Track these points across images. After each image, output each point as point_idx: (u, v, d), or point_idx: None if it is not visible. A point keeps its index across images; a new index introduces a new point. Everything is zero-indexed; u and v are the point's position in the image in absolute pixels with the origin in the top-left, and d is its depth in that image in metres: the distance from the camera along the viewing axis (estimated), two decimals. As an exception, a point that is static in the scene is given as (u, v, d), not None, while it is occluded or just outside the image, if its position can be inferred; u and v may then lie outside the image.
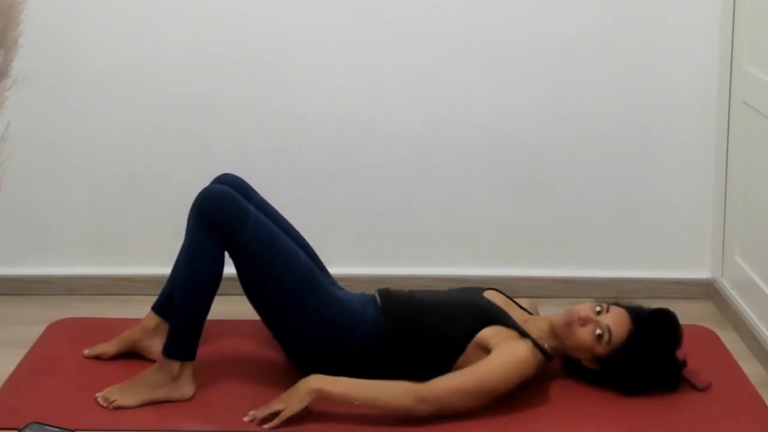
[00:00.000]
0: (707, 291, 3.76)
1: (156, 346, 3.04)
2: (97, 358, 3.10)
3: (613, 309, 2.94)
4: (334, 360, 2.89)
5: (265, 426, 2.76)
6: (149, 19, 3.60)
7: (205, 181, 3.71)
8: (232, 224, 2.83)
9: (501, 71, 3.65)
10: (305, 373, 2.86)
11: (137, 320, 3.14)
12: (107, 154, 3.70)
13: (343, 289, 3.11)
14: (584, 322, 2.90)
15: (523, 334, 2.89)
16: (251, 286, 2.90)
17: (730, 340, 3.38)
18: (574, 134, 3.69)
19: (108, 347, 3.11)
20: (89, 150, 3.69)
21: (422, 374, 2.83)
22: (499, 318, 2.93)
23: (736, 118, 3.54)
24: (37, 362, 3.13)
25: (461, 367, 2.85)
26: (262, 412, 2.78)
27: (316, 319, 2.88)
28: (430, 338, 2.90)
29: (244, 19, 3.60)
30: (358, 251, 3.75)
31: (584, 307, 2.93)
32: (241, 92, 3.66)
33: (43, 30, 3.44)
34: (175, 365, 2.87)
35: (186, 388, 2.88)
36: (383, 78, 3.66)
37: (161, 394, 2.86)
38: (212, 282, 2.86)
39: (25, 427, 2.60)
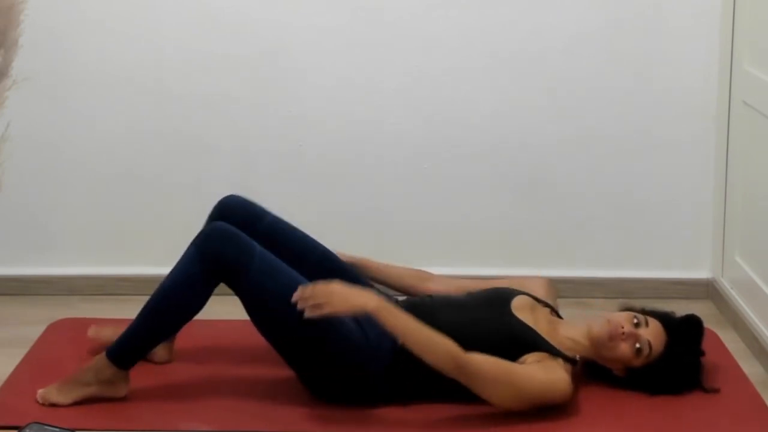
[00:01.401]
0: (707, 291, 3.76)
1: (160, 348, 3.03)
2: (97, 340, 3.09)
3: (651, 322, 2.93)
4: (349, 385, 2.85)
5: (306, 314, 2.68)
6: (149, 19, 3.60)
7: (205, 181, 3.72)
8: (236, 266, 2.78)
9: (501, 71, 3.65)
10: (317, 394, 2.87)
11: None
12: (107, 154, 3.70)
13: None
14: (626, 336, 2.88)
15: (555, 354, 2.86)
16: (259, 322, 2.85)
17: (730, 340, 3.38)
18: (574, 134, 3.69)
19: (112, 333, 3.02)
20: (89, 150, 3.69)
21: (451, 394, 2.83)
22: (531, 345, 2.87)
23: (736, 118, 3.53)
24: (37, 362, 3.14)
25: None
26: (309, 299, 2.69)
27: (327, 350, 2.81)
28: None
29: (244, 20, 3.60)
30: (358, 251, 3.74)
31: (625, 321, 2.91)
32: (241, 92, 3.66)
33: (43, 30, 3.44)
34: (111, 369, 2.83)
35: (120, 388, 2.86)
36: (383, 78, 3.66)
37: (93, 391, 2.84)
38: (187, 317, 2.84)
39: (25, 427, 2.61)
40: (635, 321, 2.91)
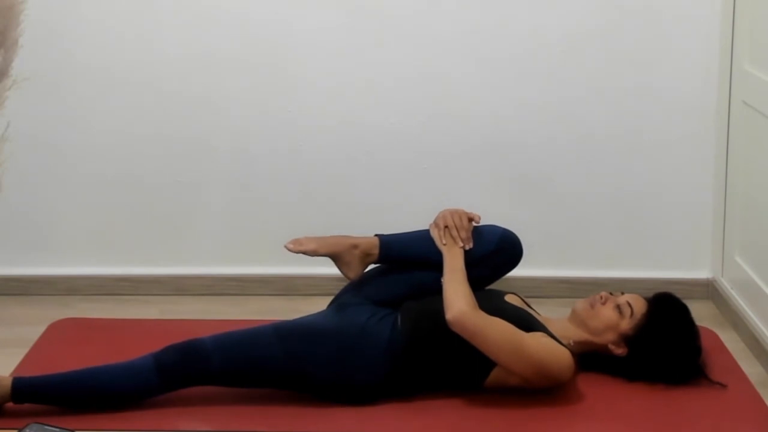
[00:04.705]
0: (707, 291, 3.76)
1: (353, 269, 3.05)
2: (303, 253, 3.03)
3: (626, 293, 3.10)
4: (353, 387, 2.87)
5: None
6: (149, 19, 3.60)
7: (206, 181, 3.72)
8: (197, 370, 2.82)
9: (500, 70, 3.65)
10: (330, 397, 2.89)
11: (137, 320, 3.13)
12: (107, 154, 3.70)
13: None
14: (605, 299, 3.03)
15: (552, 338, 2.91)
16: (251, 384, 2.89)
17: (730, 340, 3.38)
18: (573, 134, 3.69)
19: (314, 245, 3.03)
20: (89, 150, 3.69)
21: (457, 381, 2.90)
22: (531, 325, 2.93)
23: (736, 118, 3.54)
24: (37, 362, 3.13)
25: (500, 376, 2.88)
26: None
27: (319, 380, 2.86)
28: (458, 350, 2.87)
29: (245, 19, 3.60)
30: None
31: (601, 293, 3.08)
32: (242, 92, 3.66)
33: (43, 30, 3.44)
34: (5, 398, 2.77)
35: None
36: (383, 77, 3.66)
37: None
38: (106, 408, 2.82)
39: (25, 427, 2.61)
40: (610, 292, 3.10)
